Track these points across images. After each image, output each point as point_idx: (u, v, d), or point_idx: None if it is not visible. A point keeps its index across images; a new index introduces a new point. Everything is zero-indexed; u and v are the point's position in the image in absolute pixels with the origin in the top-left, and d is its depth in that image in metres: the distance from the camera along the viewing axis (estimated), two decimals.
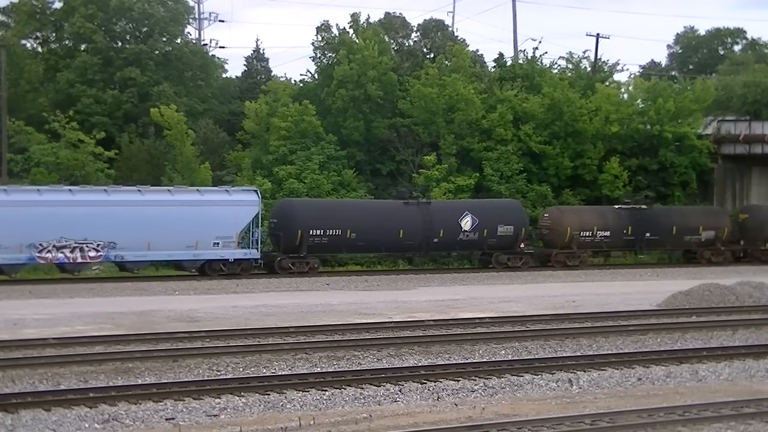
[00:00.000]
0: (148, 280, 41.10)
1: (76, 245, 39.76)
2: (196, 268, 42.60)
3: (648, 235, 50.83)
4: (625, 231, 50.42)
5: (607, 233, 50.09)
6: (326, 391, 18.75)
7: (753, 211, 55.07)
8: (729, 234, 52.98)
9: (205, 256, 41.94)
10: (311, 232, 43.65)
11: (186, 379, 19.66)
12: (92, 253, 40.12)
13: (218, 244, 41.99)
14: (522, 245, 47.80)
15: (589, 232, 49.52)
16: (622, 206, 51.51)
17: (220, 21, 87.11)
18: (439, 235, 46.10)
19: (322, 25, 58.40)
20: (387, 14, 62.82)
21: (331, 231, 44.16)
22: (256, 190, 44.12)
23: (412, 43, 63.21)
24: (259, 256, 43.09)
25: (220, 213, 42.18)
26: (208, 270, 42.02)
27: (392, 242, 45.74)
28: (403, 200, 46.81)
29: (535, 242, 50.94)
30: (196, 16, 70.65)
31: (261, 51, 65.92)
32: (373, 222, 45.11)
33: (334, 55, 57.34)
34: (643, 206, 51.50)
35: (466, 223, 46.53)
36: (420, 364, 21.66)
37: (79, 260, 40.08)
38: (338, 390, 18.81)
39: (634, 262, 52.12)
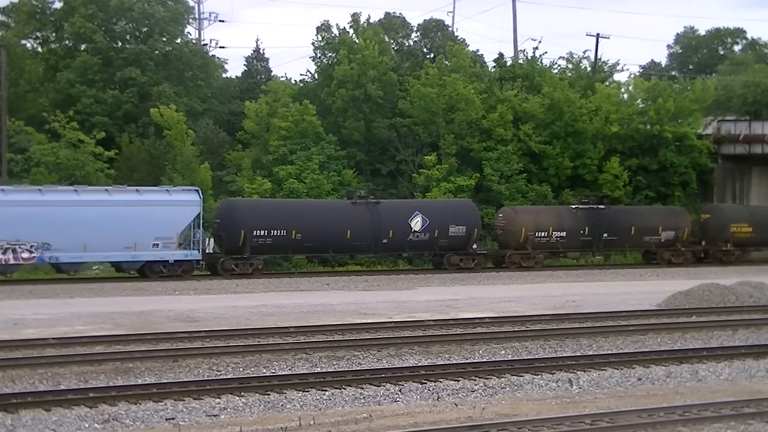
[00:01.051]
0: (148, 280, 41.09)
1: (9, 246, 38.72)
2: (135, 270, 41.64)
3: (606, 235, 49.79)
4: (581, 231, 49.34)
5: (563, 234, 48.91)
6: (326, 391, 18.75)
7: (715, 211, 54.10)
8: (689, 234, 52.03)
9: (144, 258, 40.86)
10: (254, 233, 42.68)
11: (186, 379, 19.65)
12: (25, 255, 38.96)
13: (158, 245, 40.89)
14: (474, 246, 46.71)
15: (544, 232, 48.42)
16: (579, 206, 50.42)
17: (220, 21, 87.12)
18: (388, 235, 45.14)
19: (322, 25, 58.48)
20: (387, 14, 62.98)
21: (275, 232, 43.17)
22: (197, 190, 42.91)
23: (412, 43, 63.25)
24: (200, 258, 42.13)
25: (160, 213, 40.96)
26: (147, 272, 40.96)
27: (340, 243, 44.73)
28: (351, 200, 45.93)
29: (491, 243, 49.95)
30: (196, 16, 70.69)
31: (261, 51, 65.98)
32: (319, 222, 44.12)
33: (334, 55, 57.35)
34: (601, 206, 50.28)
35: (417, 223, 45.53)
36: (420, 364, 21.65)
37: (12, 262, 38.86)
38: (338, 390, 18.81)
39: (593, 264, 50.78)
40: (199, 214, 42.14)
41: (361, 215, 45.06)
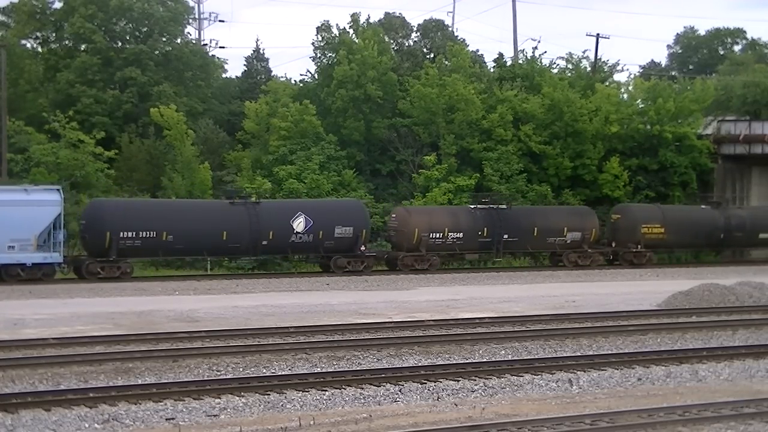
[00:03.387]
0: (148, 280, 41.09)
1: None
2: None
3: (506, 236, 47.44)
4: (480, 232, 47.01)
5: (460, 235, 46.63)
6: (326, 391, 18.74)
7: (625, 211, 51.68)
8: (596, 235, 49.87)
9: None
10: (122, 235, 40.84)
11: (186, 379, 19.64)
12: None
13: (14, 247, 39.02)
14: (363, 248, 44.69)
15: (439, 233, 46.18)
16: (478, 206, 48.18)
17: (220, 21, 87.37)
18: (268, 237, 43.17)
19: (322, 25, 58.52)
20: (387, 14, 63.04)
21: (144, 233, 41.27)
22: (58, 189, 40.86)
23: (412, 43, 63.26)
24: (61, 260, 40.23)
25: (16, 214, 38.99)
26: (4, 275, 38.94)
27: (215, 245, 42.74)
28: (229, 200, 44.02)
29: (383, 244, 48.63)
30: (196, 16, 70.77)
31: (261, 51, 66.05)
32: (192, 223, 42.19)
33: (334, 55, 57.37)
34: (502, 206, 48.21)
35: (299, 224, 43.51)
36: (420, 364, 21.64)
37: None
38: (338, 390, 18.80)
39: (496, 266, 48.76)
40: (60, 214, 40.15)
41: (238, 216, 42.99)
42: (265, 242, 43.27)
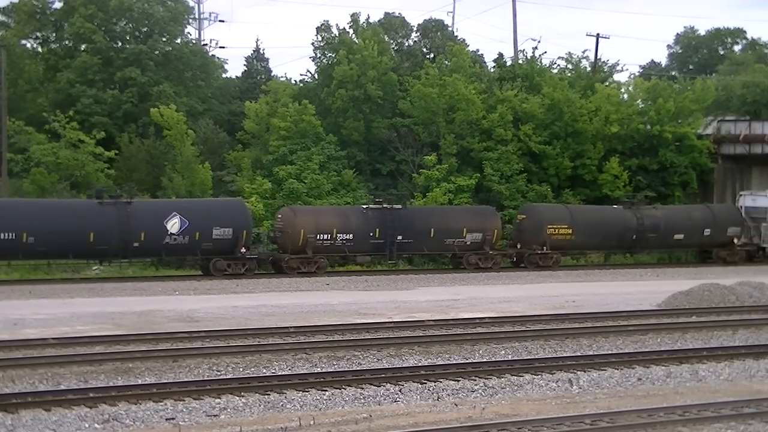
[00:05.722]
0: (148, 280, 41.07)
1: None
2: None
3: (400, 238, 45.35)
4: (371, 233, 44.91)
5: (350, 236, 44.48)
6: (326, 391, 18.74)
7: (531, 211, 49.35)
8: (499, 236, 47.96)
9: None
10: None
11: (186, 379, 19.65)
12: None
13: None
14: (243, 250, 42.54)
15: (327, 234, 44.04)
16: (371, 206, 46.11)
17: (220, 21, 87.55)
18: (139, 238, 40.85)
19: (322, 25, 58.49)
20: (387, 14, 63.00)
21: (1, 234, 38.68)
22: None
23: (411, 43, 63.25)
24: None
25: None
26: None
27: (82, 247, 40.18)
28: (98, 199, 41.55)
29: (269, 246, 46.47)
30: (196, 16, 70.84)
31: (261, 51, 66.02)
32: (56, 224, 39.57)
33: (334, 55, 57.36)
34: (396, 206, 46.06)
35: (174, 225, 41.28)
36: (420, 364, 21.64)
37: None
38: (338, 390, 18.80)
39: (388, 269, 47.00)
40: None
41: (107, 216, 40.59)
42: (136, 244, 40.90)
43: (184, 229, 41.52)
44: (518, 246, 48.65)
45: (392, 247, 45.57)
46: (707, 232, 52.08)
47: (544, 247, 48.15)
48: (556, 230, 48.47)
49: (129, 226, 40.74)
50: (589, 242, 50.41)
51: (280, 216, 45.19)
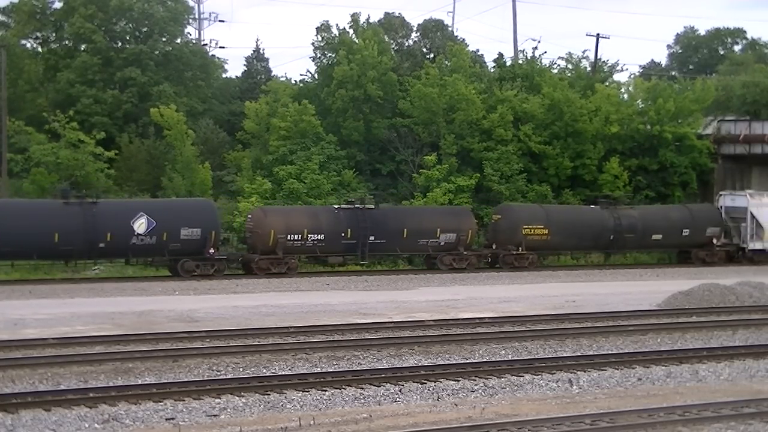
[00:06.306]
0: (148, 280, 41.05)
1: None
2: None
3: (372, 238, 44.78)
4: (343, 234, 44.43)
5: (321, 237, 44.01)
6: (326, 391, 18.75)
7: (506, 211, 48.90)
8: (473, 237, 47.34)
9: None
10: None
11: (186, 379, 19.66)
12: None
13: None
14: (212, 251, 42.01)
15: (298, 235, 43.50)
16: (342, 206, 45.76)
17: (220, 21, 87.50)
18: (105, 239, 40.20)
19: (322, 25, 58.47)
20: (387, 14, 62.98)
21: None
22: None
23: (411, 43, 63.25)
24: None
25: None
26: None
27: (46, 248, 39.56)
28: (63, 199, 40.95)
29: (239, 246, 46.28)
30: (196, 16, 70.84)
31: (261, 51, 66.06)
32: (19, 225, 39.04)
33: (333, 55, 57.35)
34: (369, 206, 45.52)
35: (141, 225, 40.67)
36: (420, 364, 21.65)
37: None
38: (338, 390, 18.81)
39: (361, 269, 46.23)
40: None
41: (72, 217, 40.01)
42: (102, 245, 40.31)
43: (152, 230, 40.95)
44: (493, 246, 48.11)
45: (364, 248, 45.05)
46: (686, 232, 51.86)
47: (520, 248, 47.63)
48: (532, 230, 47.94)
49: (94, 227, 40.19)
50: (566, 243, 49.94)
51: (250, 216, 44.67)
